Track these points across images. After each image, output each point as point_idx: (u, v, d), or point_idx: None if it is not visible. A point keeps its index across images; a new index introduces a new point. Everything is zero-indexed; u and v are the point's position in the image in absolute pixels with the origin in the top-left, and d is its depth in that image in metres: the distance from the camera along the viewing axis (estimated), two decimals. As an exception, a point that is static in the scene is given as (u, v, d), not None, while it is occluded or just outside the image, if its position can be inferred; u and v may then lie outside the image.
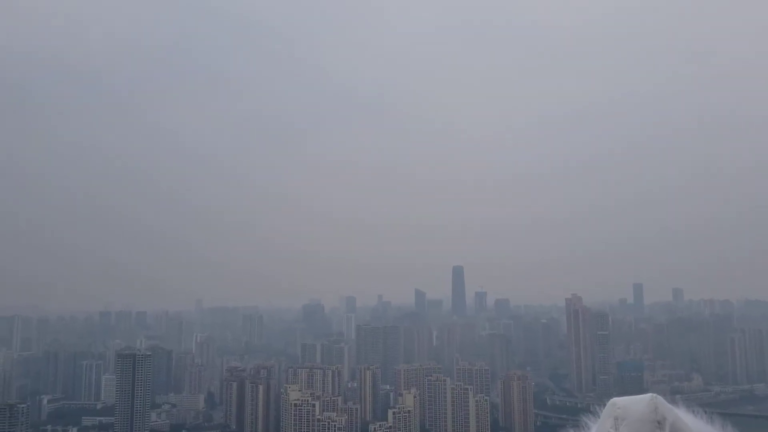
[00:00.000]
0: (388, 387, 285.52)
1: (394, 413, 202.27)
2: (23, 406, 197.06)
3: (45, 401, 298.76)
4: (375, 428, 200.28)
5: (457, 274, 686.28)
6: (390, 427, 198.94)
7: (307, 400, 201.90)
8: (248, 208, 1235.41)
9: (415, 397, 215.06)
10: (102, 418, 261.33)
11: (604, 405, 9.82)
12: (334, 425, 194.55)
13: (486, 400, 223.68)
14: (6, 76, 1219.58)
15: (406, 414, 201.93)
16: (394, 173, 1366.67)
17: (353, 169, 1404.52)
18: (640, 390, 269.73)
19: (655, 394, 9.14)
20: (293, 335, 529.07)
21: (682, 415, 8.96)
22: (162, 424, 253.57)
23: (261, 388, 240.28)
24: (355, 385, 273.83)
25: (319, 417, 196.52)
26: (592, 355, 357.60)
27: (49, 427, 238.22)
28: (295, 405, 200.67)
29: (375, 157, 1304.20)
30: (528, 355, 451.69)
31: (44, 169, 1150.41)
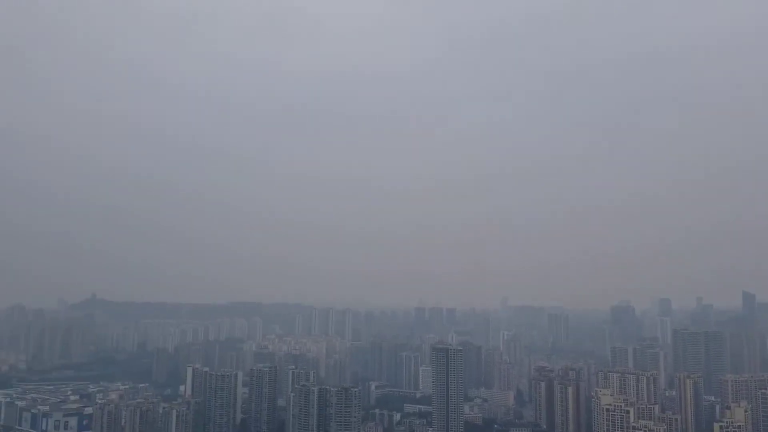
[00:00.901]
0: (712, 398, 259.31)
1: (721, 427, 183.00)
2: (356, 390, 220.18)
3: (373, 387, 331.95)
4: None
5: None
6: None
7: (621, 406, 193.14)
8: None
9: (746, 411, 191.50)
10: (421, 407, 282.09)
11: None
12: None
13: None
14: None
15: (736, 429, 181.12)
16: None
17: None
18: None
19: None
20: (601, 337, 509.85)
21: None
22: (475, 417, 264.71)
23: (570, 389, 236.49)
24: (674, 393, 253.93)
25: (634, 424, 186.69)
26: None
27: (377, 410, 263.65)
28: (607, 410, 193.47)
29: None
30: None
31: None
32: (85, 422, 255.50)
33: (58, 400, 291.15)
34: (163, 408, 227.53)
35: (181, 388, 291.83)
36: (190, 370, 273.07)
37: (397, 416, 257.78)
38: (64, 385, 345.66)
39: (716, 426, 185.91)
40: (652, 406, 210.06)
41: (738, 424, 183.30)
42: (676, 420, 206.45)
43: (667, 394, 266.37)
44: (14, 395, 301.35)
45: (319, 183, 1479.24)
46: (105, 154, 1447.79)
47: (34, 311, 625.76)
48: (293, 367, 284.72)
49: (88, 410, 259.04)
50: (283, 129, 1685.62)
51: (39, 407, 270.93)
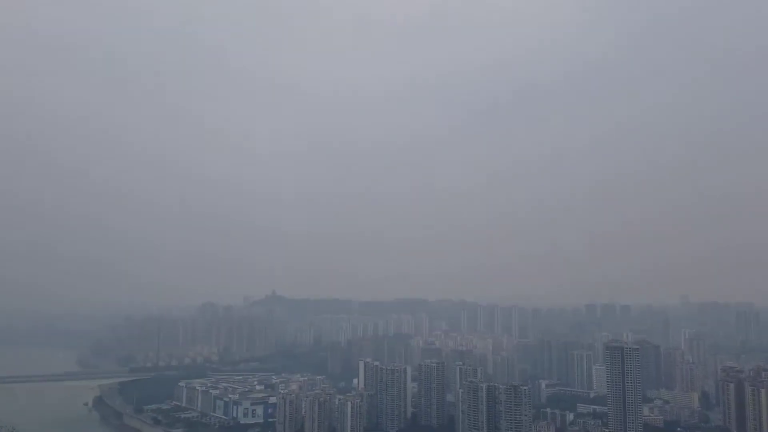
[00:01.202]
0: None
1: None
2: (525, 388, 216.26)
3: (543, 385, 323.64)
4: None
5: None
6: None
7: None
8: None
9: None
10: (595, 407, 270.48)
11: None
12: None
13: None
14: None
15: None
16: None
17: None
18: None
19: None
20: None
21: None
22: (655, 419, 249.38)
23: (763, 392, 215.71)
24: None
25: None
26: None
27: (548, 409, 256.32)
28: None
29: None
30: None
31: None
32: (269, 410, 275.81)
33: (246, 389, 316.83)
34: (339, 399, 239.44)
35: (354, 380, 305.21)
36: (362, 364, 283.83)
37: (570, 416, 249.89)
38: (250, 376, 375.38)
39: None
40: None
41: None
42: None
43: None
44: (208, 384, 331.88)
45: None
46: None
47: (223, 308, 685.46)
48: (460, 363, 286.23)
49: (273, 399, 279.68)
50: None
51: (230, 396, 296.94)
